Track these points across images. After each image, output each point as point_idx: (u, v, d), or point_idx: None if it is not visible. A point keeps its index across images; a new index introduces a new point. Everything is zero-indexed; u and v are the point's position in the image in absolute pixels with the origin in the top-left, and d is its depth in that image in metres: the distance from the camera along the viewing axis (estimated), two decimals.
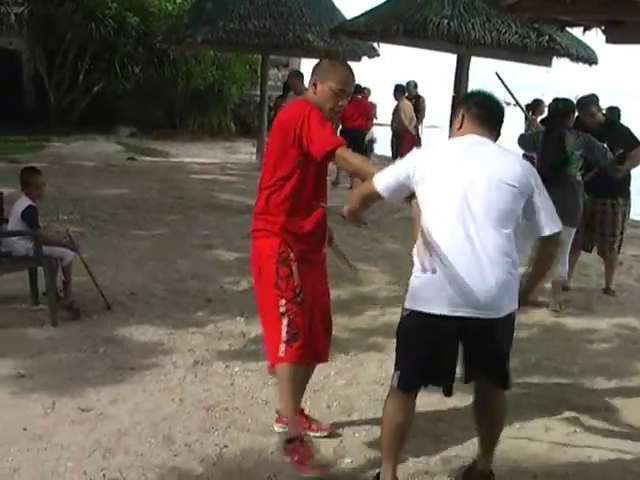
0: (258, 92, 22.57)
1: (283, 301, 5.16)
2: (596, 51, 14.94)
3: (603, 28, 8.94)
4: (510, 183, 4.62)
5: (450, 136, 5.09)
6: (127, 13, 24.61)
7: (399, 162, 4.94)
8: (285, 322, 5.15)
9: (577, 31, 10.34)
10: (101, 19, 23.70)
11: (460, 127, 4.92)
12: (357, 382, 6.88)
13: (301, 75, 14.74)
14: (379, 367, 7.24)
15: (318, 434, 5.84)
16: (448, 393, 4.96)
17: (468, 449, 5.56)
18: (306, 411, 5.99)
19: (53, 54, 25.10)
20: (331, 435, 5.88)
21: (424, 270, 4.61)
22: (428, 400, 6.41)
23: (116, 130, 25.85)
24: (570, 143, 9.11)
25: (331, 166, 5.46)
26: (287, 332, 5.14)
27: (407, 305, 4.77)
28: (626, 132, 9.92)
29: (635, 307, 9.94)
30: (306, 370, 5.52)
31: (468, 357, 4.84)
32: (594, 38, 9.35)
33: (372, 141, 20.43)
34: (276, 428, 5.83)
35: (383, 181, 4.89)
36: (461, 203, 4.56)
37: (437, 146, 5.11)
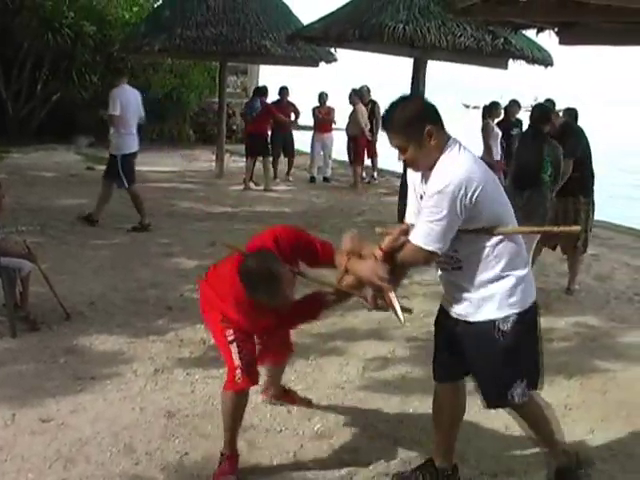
0: (217, 99, 22.53)
1: (230, 331, 5.25)
2: (552, 53, 15.06)
3: (556, 30, 9.03)
4: None
5: (423, 164, 4.66)
6: (84, 22, 24.45)
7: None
8: (235, 349, 5.24)
9: (531, 33, 10.45)
10: (58, 28, 23.53)
11: (437, 142, 4.57)
12: (317, 387, 6.89)
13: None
14: (339, 371, 7.28)
15: (302, 406, 6.29)
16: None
17: (428, 450, 5.59)
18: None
19: (10, 64, 24.87)
20: (293, 437, 5.94)
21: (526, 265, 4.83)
22: (388, 402, 6.46)
23: (75, 140, 25.66)
24: (546, 150, 9.24)
25: None
26: (240, 358, 5.23)
27: (517, 308, 4.72)
28: (572, 140, 9.96)
29: (593, 306, 10.02)
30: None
31: None
32: (548, 40, 9.46)
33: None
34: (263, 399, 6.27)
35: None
36: None
37: (463, 170, 4.53)
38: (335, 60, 20.39)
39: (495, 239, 4.61)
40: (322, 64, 20.64)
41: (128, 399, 6.48)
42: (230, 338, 5.22)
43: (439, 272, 4.93)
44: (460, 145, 4.63)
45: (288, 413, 6.33)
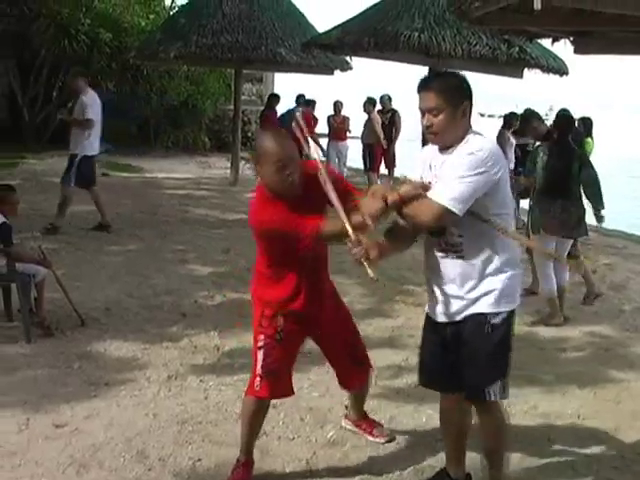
0: (232, 107, 22.56)
1: (262, 336, 5.25)
2: (567, 62, 15.04)
3: (571, 39, 9.01)
4: None
5: (447, 137, 4.66)
6: (100, 29, 24.50)
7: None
8: (261, 356, 5.24)
9: (547, 42, 10.43)
10: (74, 35, 23.59)
11: (467, 121, 4.68)
12: (331, 394, 6.87)
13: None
14: None
15: (377, 440, 6.01)
16: None
17: (442, 459, 5.59)
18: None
19: (27, 70, 24.98)
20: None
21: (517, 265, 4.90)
22: (401, 410, 6.46)
23: None
24: (575, 157, 9.30)
25: None
26: (262, 366, 5.23)
27: (509, 306, 4.78)
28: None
29: (607, 315, 10.00)
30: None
31: None
32: (563, 49, 9.45)
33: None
34: (343, 423, 6.20)
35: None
36: None
37: (493, 145, 4.71)
38: (350, 68, 20.40)
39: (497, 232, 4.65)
40: (337, 72, 20.65)
41: (142, 405, 6.50)
42: (260, 344, 5.25)
43: (429, 267, 4.91)
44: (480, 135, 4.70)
45: (301, 421, 6.34)
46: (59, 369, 7.20)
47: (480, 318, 4.69)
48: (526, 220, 11.30)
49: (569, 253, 9.84)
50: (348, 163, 22.02)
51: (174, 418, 6.26)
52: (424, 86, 4.62)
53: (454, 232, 4.65)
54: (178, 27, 19.37)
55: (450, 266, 4.74)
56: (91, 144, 13.58)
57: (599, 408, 6.96)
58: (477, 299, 4.70)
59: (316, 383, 7.10)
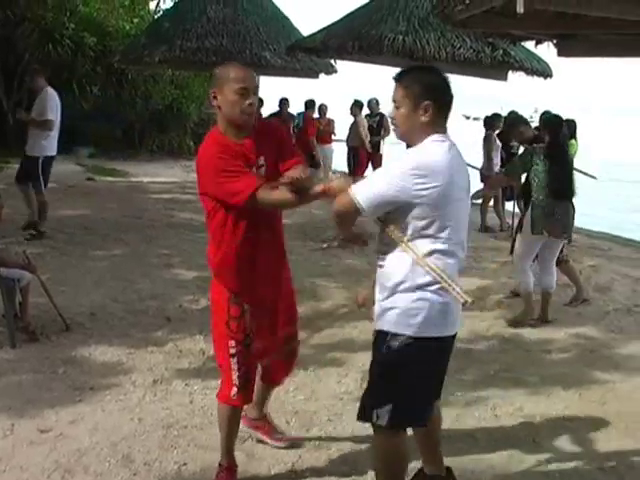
0: None
1: (233, 342, 5.15)
2: (550, 64, 15.09)
3: (555, 42, 9.06)
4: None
5: (405, 132, 4.55)
6: (84, 33, 24.56)
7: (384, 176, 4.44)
8: (235, 366, 5.17)
9: (530, 45, 10.48)
10: (59, 40, 23.64)
11: (429, 122, 4.41)
12: (316, 397, 6.90)
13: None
14: (338, 382, 7.29)
15: (277, 444, 5.93)
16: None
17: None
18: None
19: (11, 75, 24.93)
20: (289, 447, 5.94)
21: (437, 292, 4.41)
22: None
23: (75, 151, 25.68)
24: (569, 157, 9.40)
25: None
26: (238, 377, 5.18)
27: (410, 330, 4.44)
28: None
29: (592, 317, 10.02)
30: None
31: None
32: (547, 52, 9.49)
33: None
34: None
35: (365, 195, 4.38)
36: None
37: (432, 158, 4.35)
38: (335, 71, 20.40)
39: (421, 249, 4.35)
40: (322, 75, 20.65)
41: (127, 410, 6.49)
42: (232, 351, 5.14)
43: None
44: (450, 145, 4.43)
45: (287, 424, 6.33)
46: (44, 374, 7.17)
47: (383, 336, 4.53)
48: (511, 222, 11.33)
49: (558, 258, 9.89)
50: (333, 166, 22.02)
51: (159, 422, 6.25)
52: (395, 77, 4.54)
53: (383, 238, 4.54)
54: (162, 31, 19.33)
55: (378, 271, 4.62)
56: (51, 144, 13.34)
57: (584, 409, 6.98)
58: (383, 313, 4.53)
59: (301, 386, 7.10)
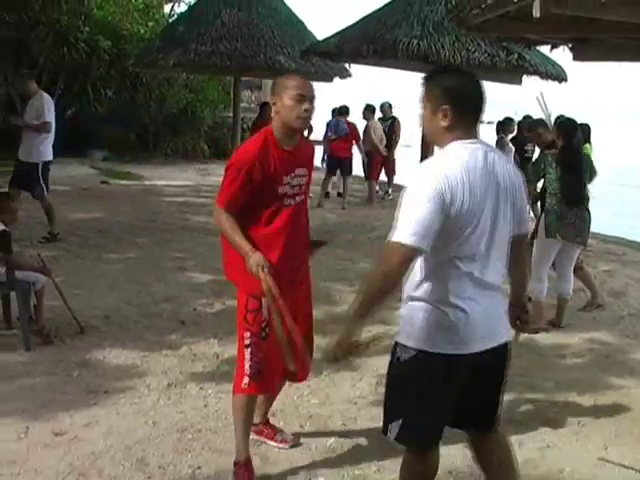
0: (231, 114, 22.59)
1: (248, 334, 5.28)
2: (566, 69, 15.06)
3: (570, 46, 9.04)
4: (519, 197, 4.44)
5: (428, 135, 4.44)
6: (99, 37, 24.57)
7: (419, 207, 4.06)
8: (248, 356, 5.28)
9: (545, 49, 10.46)
10: (73, 43, 23.64)
11: (448, 127, 4.24)
12: (330, 402, 6.90)
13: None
14: (352, 386, 7.30)
15: (280, 445, 5.97)
16: None
17: (443, 466, 5.57)
18: (273, 422, 6.16)
19: None
20: (294, 446, 5.99)
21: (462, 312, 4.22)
22: None
23: (90, 154, 25.73)
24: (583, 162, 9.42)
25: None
26: (250, 366, 5.28)
27: (419, 344, 4.27)
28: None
29: (607, 322, 10.01)
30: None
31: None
32: (562, 56, 9.47)
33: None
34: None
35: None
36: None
37: (451, 168, 4.12)
38: (349, 75, 20.40)
39: (433, 261, 4.18)
40: (336, 79, 20.66)
41: (141, 413, 6.50)
42: (247, 342, 5.28)
43: None
44: (473, 152, 4.20)
45: (300, 427, 6.34)
46: (58, 377, 7.19)
47: (395, 345, 4.42)
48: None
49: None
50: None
51: (174, 426, 6.26)
52: (422, 78, 4.45)
53: None
54: (177, 35, 19.36)
55: None
56: (48, 149, 13.01)
57: (599, 415, 6.97)
58: (399, 323, 4.44)
59: (315, 391, 7.11)
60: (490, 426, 4.65)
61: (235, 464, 5.41)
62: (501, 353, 4.46)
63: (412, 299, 4.28)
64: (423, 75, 4.48)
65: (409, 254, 4.01)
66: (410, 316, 4.30)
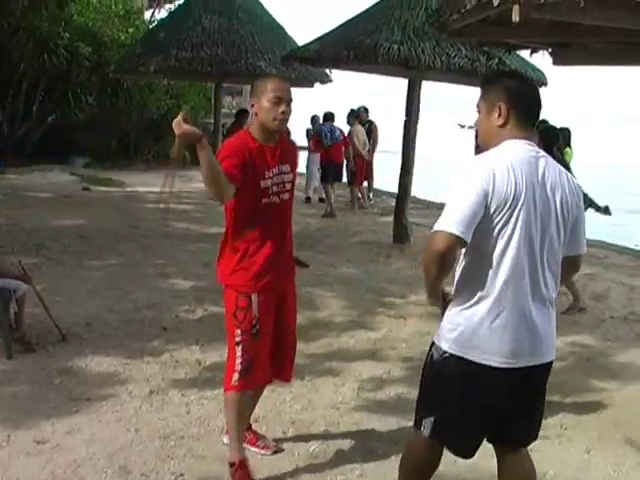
0: (212, 120, 22.59)
1: (239, 331, 5.27)
2: (547, 72, 15.14)
3: (550, 50, 9.07)
4: (572, 209, 4.32)
5: (482, 137, 4.42)
6: (80, 43, 24.56)
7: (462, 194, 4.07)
8: (239, 353, 5.27)
9: (525, 54, 10.50)
10: (54, 49, 23.64)
11: (504, 124, 4.25)
12: (313, 407, 6.88)
13: None
14: (335, 392, 7.28)
15: (262, 452, 5.95)
16: None
17: None
18: (256, 428, 6.14)
19: (6, 85, 24.91)
20: (276, 452, 5.97)
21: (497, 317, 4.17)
22: (384, 423, 6.45)
23: (71, 161, 25.72)
24: None
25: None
26: (241, 363, 5.27)
27: (469, 353, 4.22)
28: None
29: (589, 325, 10.04)
30: (253, 393, 5.70)
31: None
32: (542, 60, 9.50)
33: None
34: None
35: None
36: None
37: (500, 163, 4.10)
38: (330, 81, 20.45)
39: (478, 263, 4.15)
40: (317, 85, 20.70)
41: (123, 420, 6.46)
42: (237, 339, 5.27)
43: None
44: (527, 153, 4.18)
45: (283, 433, 6.32)
46: (40, 385, 7.14)
47: (431, 344, 4.45)
48: None
49: None
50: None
51: (156, 433, 6.23)
52: (482, 80, 4.51)
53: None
54: (158, 41, 19.39)
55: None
56: None
57: (581, 418, 6.98)
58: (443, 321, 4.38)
59: (298, 396, 7.09)
60: (524, 443, 4.63)
61: (230, 465, 5.40)
62: (544, 371, 4.41)
63: (453, 301, 4.28)
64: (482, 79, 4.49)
65: (453, 241, 3.98)
66: (450, 318, 4.28)
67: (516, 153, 4.16)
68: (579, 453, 6.25)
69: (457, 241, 3.98)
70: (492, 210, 4.02)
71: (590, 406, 7.29)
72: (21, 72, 24.66)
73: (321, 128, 20.26)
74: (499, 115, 4.22)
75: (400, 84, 15.62)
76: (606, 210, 9.84)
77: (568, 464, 6.04)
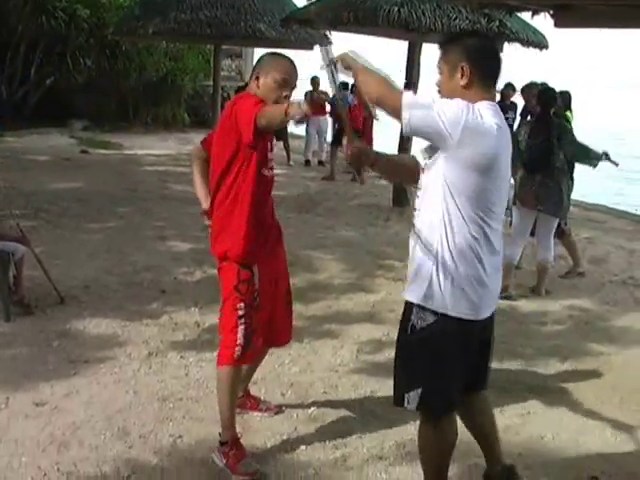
0: (211, 83, 22.48)
1: (242, 304, 5.17)
2: (547, 36, 15.04)
3: (551, 12, 9.00)
4: None
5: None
6: (78, 5, 24.40)
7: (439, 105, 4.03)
8: (242, 326, 5.16)
9: (526, 16, 10.42)
10: (52, 12, 23.47)
11: (467, 85, 4.20)
12: (311, 370, 6.90)
13: None
14: (333, 354, 7.29)
15: (266, 414, 5.97)
16: None
17: None
18: (255, 391, 6.17)
19: (4, 47, 24.75)
20: (278, 413, 6.01)
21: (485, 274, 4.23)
22: (382, 385, 6.45)
23: (70, 123, 25.63)
24: (555, 132, 9.30)
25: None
26: (244, 336, 5.17)
27: (454, 311, 4.22)
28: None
29: (587, 289, 10.05)
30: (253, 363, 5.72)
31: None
32: (544, 22, 9.43)
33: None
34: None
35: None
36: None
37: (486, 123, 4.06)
38: (330, 43, 20.33)
39: (460, 219, 4.12)
40: (317, 47, 20.57)
41: (122, 382, 6.47)
42: (240, 313, 5.15)
43: None
44: (493, 110, 4.15)
45: (282, 396, 6.34)
46: (39, 347, 7.15)
47: (408, 308, 4.34)
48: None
49: (560, 230, 9.92)
50: (329, 138, 21.96)
51: (154, 395, 6.24)
52: (439, 43, 4.43)
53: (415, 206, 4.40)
54: (156, 3, 19.22)
55: (411, 241, 4.46)
56: None
57: (579, 382, 6.99)
58: (411, 282, 4.36)
59: (296, 359, 7.11)
60: (484, 385, 4.76)
61: (222, 444, 5.26)
62: (493, 318, 4.54)
63: (435, 257, 4.20)
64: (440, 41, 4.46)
65: (404, 105, 3.99)
66: (431, 275, 4.22)
67: (495, 116, 4.13)
68: (577, 417, 6.27)
69: (409, 108, 3.99)
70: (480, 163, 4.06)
71: (588, 370, 7.31)
72: (19, 35, 24.51)
73: (334, 97, 20.10)
74: (462, 75, 4.18)
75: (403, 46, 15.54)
76: (607, 157, 9.77)
77: (566, 427, 6.04)
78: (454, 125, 3.94)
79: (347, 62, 4.33)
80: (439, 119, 3.95)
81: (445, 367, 4.29)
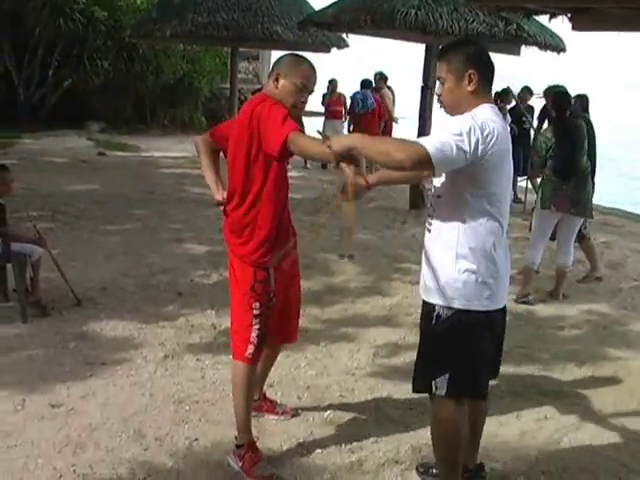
0: (228, 85, 22.47)
1: (257, 304, 5.18)
2: (565, 39, 14.99)
3: (569, 16, 8.98)
4: None
5: (451, 106, 4.49)
6: (95, 8, 24.44)
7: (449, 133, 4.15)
8: (257, 325, 5.18)
9: (544, 19, 10.40)
10: (69, 14, 23.51)
11: (474, 91, 4.39)
12: (328, 373, 6.89)
13: None
14: (350, 358, 7.28)
15: (282, 418, 5.96)
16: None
17: None
18: (271, 394, 6.18)
19: (22, 50, 24.83)
20: (294, 416, 6.00)
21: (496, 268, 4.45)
22: (399, 389, 6.44)
23: (87, 125, 25.68)
24: (575, 135, 9.34)
25: None
26: (258, 336, 5.19)
27: (471, 304, 4.43)
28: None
29: (605, 293, 10.01)
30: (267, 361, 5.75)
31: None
32: (561, 26, 9.41)
33: None
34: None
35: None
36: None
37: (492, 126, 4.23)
38: (347, 46, 20.32)
39: (475, 216, 4.33)
40: (334, 50, 20.57)
41: (138, 385, 6.48)
42: (256, 312, 5.16)
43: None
44: (494, 111, 4.39)
45: (298, 399, 6.33)
46: (55, 349, 7.17)
47: (430, 307, 4.55)
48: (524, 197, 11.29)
49: (580, 234, 9.89)
50: None
51: (170, 397, 6.25)
52: (438, 55, 4.53)
53: (430, 207, 4.61)
54: (174, 5, 19.22)
55: (426, 242, 4.66)
56: None
57: (597, 386, 6.97)
58: (431, 286, 4.54)
59: (313, 362, 7.10)
60: (496, 374, 4.99)
61: (238, 447, 5.28)
62: (505, 311, 4.75)
63: (455, 257, 4.39)
64: (438, 52, 4.59)
65: (423, 157, 4.04)
66: (452, 275, 4.41)
67: (498, 115, 4.41)
68: (594, 422, 6.24)
69: (427, 159, 4.03)
70: (487, 155, 4.20)
71: (606, 375, 7.29)
72: (37, 37, 24.57)
73: (354, 95, 20.08)
74: (469, 82, 4.36)
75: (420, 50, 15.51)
76: None
77: (583, 432, 6.02)
78: (474, 150, 4.11)
79: (342, 143, 4.34)
80: (464, 157, 4.10)
81: (473, 353, 4.49)
